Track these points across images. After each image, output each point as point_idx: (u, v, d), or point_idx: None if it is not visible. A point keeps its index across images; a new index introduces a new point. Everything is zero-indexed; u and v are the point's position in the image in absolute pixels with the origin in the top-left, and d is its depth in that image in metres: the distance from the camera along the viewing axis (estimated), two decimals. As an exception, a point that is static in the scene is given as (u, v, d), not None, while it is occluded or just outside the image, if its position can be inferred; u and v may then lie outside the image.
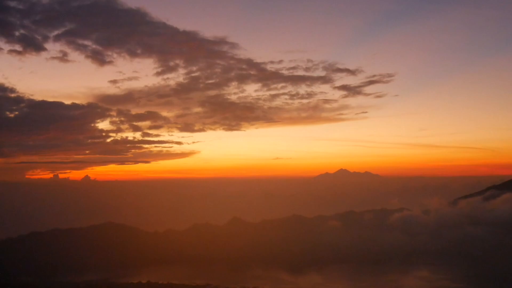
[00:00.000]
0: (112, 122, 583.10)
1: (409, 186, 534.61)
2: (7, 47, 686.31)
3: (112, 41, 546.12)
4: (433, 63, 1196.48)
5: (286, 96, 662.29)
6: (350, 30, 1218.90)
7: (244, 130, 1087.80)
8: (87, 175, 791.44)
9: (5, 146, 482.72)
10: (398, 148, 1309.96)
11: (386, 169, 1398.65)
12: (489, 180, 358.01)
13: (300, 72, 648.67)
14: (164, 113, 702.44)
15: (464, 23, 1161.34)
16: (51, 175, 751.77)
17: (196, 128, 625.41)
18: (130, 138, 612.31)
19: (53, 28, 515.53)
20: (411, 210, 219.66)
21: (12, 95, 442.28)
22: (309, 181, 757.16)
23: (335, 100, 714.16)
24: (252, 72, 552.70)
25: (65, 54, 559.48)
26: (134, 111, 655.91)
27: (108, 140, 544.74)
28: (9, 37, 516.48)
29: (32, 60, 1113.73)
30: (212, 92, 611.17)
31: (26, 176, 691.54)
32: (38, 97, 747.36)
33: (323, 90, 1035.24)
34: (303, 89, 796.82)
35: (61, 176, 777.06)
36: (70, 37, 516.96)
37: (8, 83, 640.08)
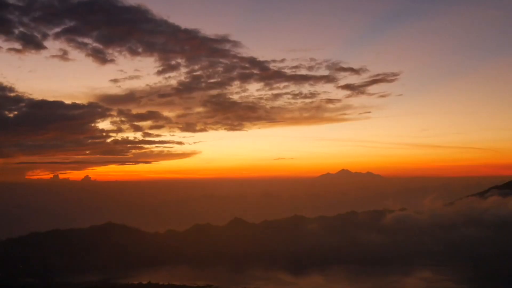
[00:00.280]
0: (112, 122, 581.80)
1: (411, 186, 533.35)
2: (6, 45, 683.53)
3: (112, 39, 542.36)
4: (437, 63, 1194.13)
5: (289, 96, 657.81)
6: (354, 28, 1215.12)
7: (246, 130, 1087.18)
8: (87, 176, 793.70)
9: (5, 146, 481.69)
10: (400, 148, 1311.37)
11: (388, 169, 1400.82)
12: (491, 180, 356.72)
13: (303, 72, 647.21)
14: (166, 113, 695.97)
15: (468, 24, 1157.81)
16: (51, 176, 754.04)
17: (197, 128, 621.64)
18: (131, 138, 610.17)
19: (53, 25, 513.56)
20: (413, 210, 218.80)
21: (11, 94, 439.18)
22: (311, 181, 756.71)
23: (338, 100, 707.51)
24: (254, 71, 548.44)
25: (65, 52, 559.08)
26: (135, 110, 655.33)
27: (109, 140, 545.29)
28: (8, 35, 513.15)
29: (32, 58, 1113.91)
30: (214, 92, 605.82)
31: (26, 177, 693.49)
32: (37, 96, 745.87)
33: (326, 90, 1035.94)
34: (306, 88, 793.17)
35: (61, 176, 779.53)
36: (70, 35, 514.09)
37: (7, 82, 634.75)
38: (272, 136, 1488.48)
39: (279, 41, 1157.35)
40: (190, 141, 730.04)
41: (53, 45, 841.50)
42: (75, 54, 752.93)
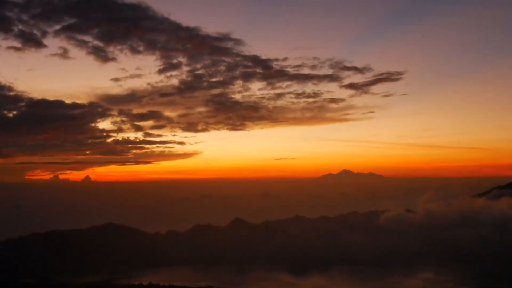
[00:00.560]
0: (113, 122, 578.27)
1: (413, 187, 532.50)
2: (5, 43, 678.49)
3: (113, 37, 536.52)
4: (442, 62, 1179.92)
5: (292, 95, 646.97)
6: (359, 27, 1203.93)
7: (248, 130, 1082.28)
8: (87, 176, 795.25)
9: (4, 147, 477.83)
10: (402, 148, 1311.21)
11: (390, 169, 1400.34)
12: (493, 180, 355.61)
13: (306, 71, 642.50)
14: (167, 113, 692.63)
15: (473, 24, 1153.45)
16: (51, 176, 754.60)
17: (199, 128, 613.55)
18: (132, 138, 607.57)
19: (53, 23, 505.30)
20: (415, 211, 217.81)
21: (11, 93, 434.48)
22: (312, 181, 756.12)
23: (342, 99, 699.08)
24: (257, 70, 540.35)
25: (65, 50, 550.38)
26: (136, 110, 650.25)
27: (109, 140, 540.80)
28: (7, 33, 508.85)
29: (31, 57, 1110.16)
30: (216, 91, 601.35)
31: (26, 177, 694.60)
32: (37, 95, 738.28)
33: (330, 89, 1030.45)
34: (309, 88, 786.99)
35: (61, 176, 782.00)
36: (70, 33, 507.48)
37: (5, 81, 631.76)
38: (274, 136, 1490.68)
39: (282, 39, 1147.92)
40: (192, 141, 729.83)
41: (53, 43, 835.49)
42: (75, 52, 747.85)
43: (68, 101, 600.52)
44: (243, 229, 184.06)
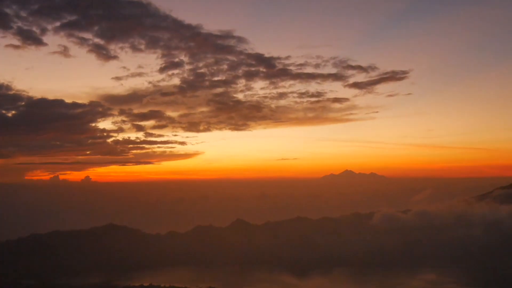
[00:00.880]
0: (114, 122, 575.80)
1: (415, 187, 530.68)
2: (3, 41, 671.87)
3: (114, 35, 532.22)
4: (447, 62, 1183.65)
5: (295, 95, 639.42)
6: (364, 25, 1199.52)
7: (250, 130, 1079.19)
8: (87, 176, 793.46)
9: (3, 147, 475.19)
10: (405, 149, 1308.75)
11: (392, 170, 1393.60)
12: (497, 181, 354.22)
13: (310, 70, 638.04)
14: (169, 113, 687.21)
15: (478, 24, 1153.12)
16: (51, 176, 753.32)
17: (201, 128, 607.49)
18: (133, 138, 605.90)
19: (52, 19, 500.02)
20: (417, 212, 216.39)
21: (9, 92, 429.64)
22: (314, 182, 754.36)
23: (346, 99, 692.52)
24: (260, 69, 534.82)
25: (65, 48, 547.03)
26: (137, 110, 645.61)
27: (110, 140, 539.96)
28: (5, 30, 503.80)
29: (31, 55, 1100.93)
30: (218, 90, 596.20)
31: (26, 177, 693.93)
32: (37, 95, 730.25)
33: (334, 88, 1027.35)
34: (313, 87, 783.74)
35: (61, 177, 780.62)
36: (70, 30, 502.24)
37: (4, 80, 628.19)
38: (276, 137, 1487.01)
39: (285, 37, 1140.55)
40: (193, 141, 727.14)
41: (53, 41, 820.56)
42: (76, 50, 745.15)
43: (68, 100, 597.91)
44: (245, 230, 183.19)
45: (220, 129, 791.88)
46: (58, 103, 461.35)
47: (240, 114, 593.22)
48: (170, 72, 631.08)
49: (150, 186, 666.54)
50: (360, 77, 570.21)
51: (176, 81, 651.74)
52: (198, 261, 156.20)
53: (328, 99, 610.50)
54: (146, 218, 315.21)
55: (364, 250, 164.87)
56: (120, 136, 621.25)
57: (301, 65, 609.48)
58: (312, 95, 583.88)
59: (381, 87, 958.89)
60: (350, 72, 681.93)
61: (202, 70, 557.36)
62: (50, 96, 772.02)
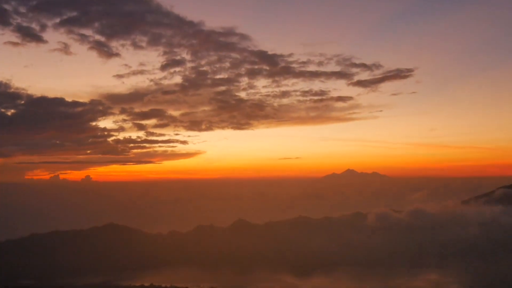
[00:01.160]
0: (115, 121, 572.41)
1: (417, 187, 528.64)
2: (2, 38, 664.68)
3: (115, 31, 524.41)
4: (452, 61, 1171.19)
5: (298, 93, 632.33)
6: (369, 22, 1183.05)
7: (253, 129, 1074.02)
8: (88, 176, 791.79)
9: (3, 146, 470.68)
10: (408, 148, 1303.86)
11: (394, 169, 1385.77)
12: (499, 180, 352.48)
13: (313, 67, 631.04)
14: (170, 111, 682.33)
15: (484, 23, 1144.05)
16: (51, 176, 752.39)
17: (203, 127, 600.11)
18: (134, 137, 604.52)
19: (52, 15, 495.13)
20: (419, 211, 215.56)
21: (9, 90, 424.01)
22: (316, 181, 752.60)
23: (350, 97, 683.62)
24: (262, 66, 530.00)
25: (66, 46, 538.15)
26: (138, 108, 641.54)
27: (111, 139, 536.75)
28: (4, 27, 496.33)
29: (31, 52, 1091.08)
30: (220, 88, 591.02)
31: (26, 177, 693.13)
32: (37, 93, 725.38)
33: (337, 87, 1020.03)
34: (316, 85, 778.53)
35: (61, 176, 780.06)
36: (70, 26, 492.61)
37: (3, 78, 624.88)
38: (279, 136, 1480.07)
39: (288, 34, 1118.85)
40: (195, 140, 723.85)
41: (53, 38, 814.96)
42: (76, 47, 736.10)
43: (68, 98, 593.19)
44: (246, 230, 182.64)
45: (222, 128, 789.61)
46: (58, 101, 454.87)
47: (243, 113, 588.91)
48: (172, 70, 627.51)
49: (151, 186, 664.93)
50: (364, 75, 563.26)
51: (178, 79, 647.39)
52: (199, 261, 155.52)
53: (332, 98, 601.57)
54: (147, 218, 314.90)
55: (366, 250, 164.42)
56: (121, 135, 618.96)
57: (304, 63, 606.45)
58: (316, 94, 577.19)
59: (385, 86, 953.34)
60: (354, 70, 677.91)
61: (204, 68, 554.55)
62: (50, 95, 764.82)
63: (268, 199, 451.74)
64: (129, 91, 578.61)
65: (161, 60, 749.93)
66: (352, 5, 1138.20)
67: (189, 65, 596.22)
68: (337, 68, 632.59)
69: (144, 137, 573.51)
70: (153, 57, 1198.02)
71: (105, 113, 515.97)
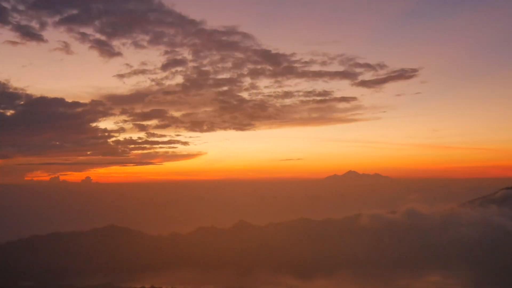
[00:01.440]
0: (115, 122, 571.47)
1: (419, 188, 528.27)
2: (1, 38, 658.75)
3: (116, 30, 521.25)
4: (457, 62, 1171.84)
5: (300, 93, 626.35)
6: (373, 22, 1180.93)
7: (254, 130, 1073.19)
8: (88, 177, 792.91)
9: (3, 147, 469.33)
10: (410, 149, 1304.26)
11: (396, 170, 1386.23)
12: (502, 181, 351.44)
13: (316, 67, 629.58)
14: (172, 112, 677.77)
15: (488, 24, 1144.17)
16: (51, 177, 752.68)
17: (204, 127, 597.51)
18: (135, 138, 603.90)
19: (52, 13, 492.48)
20: (421, 213, 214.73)
21: (7, 91, 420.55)
22: (317, 183, 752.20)
23: (353, 98, 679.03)
24: (265, 66, 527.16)
25: (66, 44, 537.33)
26: (139, 109, 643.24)
27: (111, 140, 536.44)
28: (3, 26, 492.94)
29: (30, 51, 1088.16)
30: (222, 88, 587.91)
31: (26, 178, 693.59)
32: (36, 93, 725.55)
33: (341, 87, 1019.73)
34: (319, 85, 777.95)
35: (61, 178, 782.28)
36: (70, 25, 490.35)
37: (2, 77, 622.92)
38: (281, 137, 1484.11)
39: (290, 33, 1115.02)
40: (196, 141, 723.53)
41: (53, 37, 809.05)
42: (77, 46, 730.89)
43: (68, 99, 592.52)
44: (247, 231, 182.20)
45: (224, 129, 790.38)
46: (58, 102, 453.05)
47: (245, 114, 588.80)
48: (173, 70, 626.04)
49: (151, 187, 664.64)
50: (368, 75, 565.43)
51: (179, 79, 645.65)
52: (200, 262, 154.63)
53: (335, 98, 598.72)
54: (148, 219, 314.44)
55: (368, 252, 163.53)
56: (122, 136, 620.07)
57: (307, 62, 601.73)
58: (319, 94, 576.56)
59: (389, 86, 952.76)
60: (358, 70, 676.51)
61: (206, 68, 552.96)
62: (50, 95, 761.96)
63: (270, 201, 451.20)
64: (130, 92, 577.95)
65: (163, 59, 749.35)
66: (356, 4, 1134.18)
67: (190, 64, 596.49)
68: (341, 68, 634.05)
69: (145, 138, 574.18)
70: (155, 57, 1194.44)
71: (105, 113, 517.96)
